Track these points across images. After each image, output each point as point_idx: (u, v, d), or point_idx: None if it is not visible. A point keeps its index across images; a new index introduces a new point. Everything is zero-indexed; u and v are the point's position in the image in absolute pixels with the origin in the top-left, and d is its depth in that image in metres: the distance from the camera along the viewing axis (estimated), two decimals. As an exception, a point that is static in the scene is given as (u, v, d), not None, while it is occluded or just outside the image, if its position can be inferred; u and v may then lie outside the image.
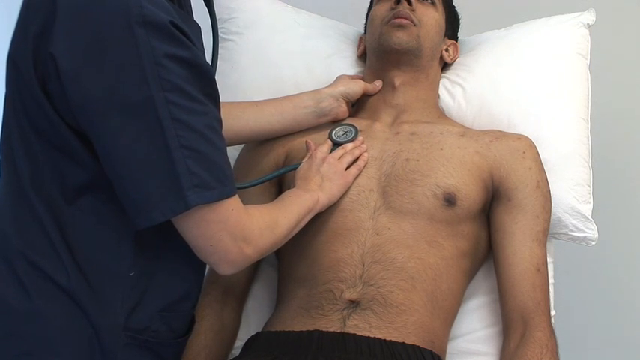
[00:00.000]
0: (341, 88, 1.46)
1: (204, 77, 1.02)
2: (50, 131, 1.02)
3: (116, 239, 1.06)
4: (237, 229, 1.05)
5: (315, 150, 1.36)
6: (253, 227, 1.09)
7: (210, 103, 1.03)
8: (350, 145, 1.38)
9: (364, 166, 1.35)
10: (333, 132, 1.42)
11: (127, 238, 1.06)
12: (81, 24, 0.96)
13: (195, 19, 1.15)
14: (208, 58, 1.16)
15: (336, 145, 1.39)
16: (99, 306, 1.05)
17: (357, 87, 1.47)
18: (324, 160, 1.34)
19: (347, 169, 1.34)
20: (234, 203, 1.05)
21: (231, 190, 1.05)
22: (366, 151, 1.37)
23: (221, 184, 1.02)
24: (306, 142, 1.39)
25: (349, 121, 1.46)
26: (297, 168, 1.35)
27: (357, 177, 1.34)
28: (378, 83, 1.47)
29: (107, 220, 1.05)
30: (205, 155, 1.00)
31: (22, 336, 1.03)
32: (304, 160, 1.36)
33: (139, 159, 0.98)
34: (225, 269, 1.09)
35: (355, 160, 1.36)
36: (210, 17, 1.24)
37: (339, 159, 1.34)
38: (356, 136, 1.40)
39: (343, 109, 1.46)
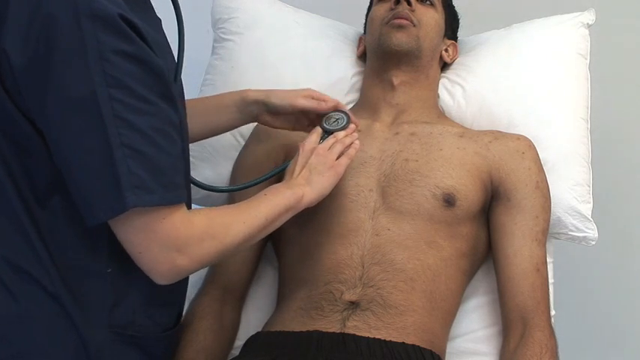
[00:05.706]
0: (273, 100, 1.34)
1: (154, 75, 0.98)
2: (14, 130, 0.99)
3: (90, 237, 1.04)
4: (170, 238, 1.01)
5: (303, 142, 1.29)
6: (192, 236, 1.03)
7: (163, 104, 0.99)
8: (342, 133, 1.30)
9: (355, 154, 1.29)
10: (324, 120, 1.34)
11: (101, 236, 1.04)
12: (31, 17, 0.94)
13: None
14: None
15: (328, 133, 1.32)
16: (80, 305, 1.04)
17: (289, 107, 1.33)
18: (312, 151, 1.27)
19: (338, 158, 1.27)
20: (174, 210, 1.01)
21: (176, 197, 1.01)
22: (357, 139, 1.30)
23: (164, 189, 0.98)
24: (299, 145, 1.35)
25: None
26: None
27: (348, 166, 1.27)
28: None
29: (79, 219, 1.01)
30: (149, 157, 0.97)
31: (9, 340, 1.02)
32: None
33: (82, 155, 0.96)
34: (157, 279, 1.04)
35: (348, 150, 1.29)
36: (175, 11, 1.15)
37: (329, 149, 1.27)
38: (348, 123, 1.32)
39: (264, 119, 1.36)
